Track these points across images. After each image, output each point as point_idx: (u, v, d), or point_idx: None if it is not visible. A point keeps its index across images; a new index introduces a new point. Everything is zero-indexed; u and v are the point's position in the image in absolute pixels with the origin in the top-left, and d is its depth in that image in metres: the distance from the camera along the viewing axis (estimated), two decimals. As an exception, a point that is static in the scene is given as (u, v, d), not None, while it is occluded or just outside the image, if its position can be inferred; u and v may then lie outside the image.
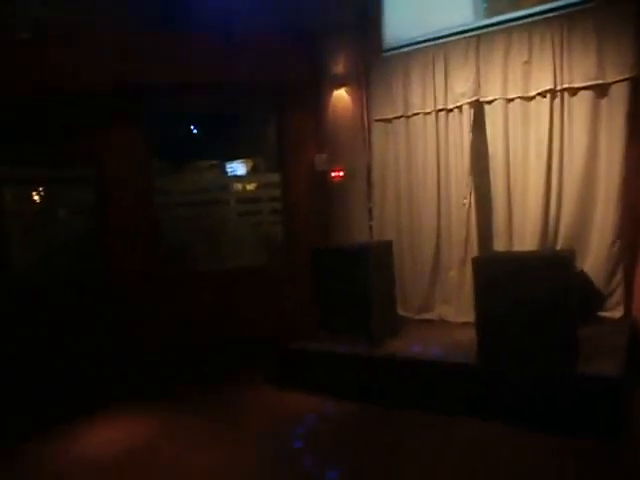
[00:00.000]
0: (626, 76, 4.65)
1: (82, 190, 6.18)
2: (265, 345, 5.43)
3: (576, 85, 4.88)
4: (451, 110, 5.52)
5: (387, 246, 5.29)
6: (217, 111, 6.72)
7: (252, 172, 7.21)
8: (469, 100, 5.39)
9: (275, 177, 6.74)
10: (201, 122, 7.01)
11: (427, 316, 5.67)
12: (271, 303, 6.15)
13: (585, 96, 4.86)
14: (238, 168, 7.27)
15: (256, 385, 5.10)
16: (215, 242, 6.78)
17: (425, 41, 5.61)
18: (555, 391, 3.74)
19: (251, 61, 5.96)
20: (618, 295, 4.90)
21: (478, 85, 5.34)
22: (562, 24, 4.90)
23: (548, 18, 4.95)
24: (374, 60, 6.00)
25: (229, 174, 7.21)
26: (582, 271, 4.81)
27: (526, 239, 5.12)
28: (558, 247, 5.03)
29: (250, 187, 7.21)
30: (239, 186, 7.13)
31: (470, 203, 5.42)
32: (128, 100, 5.82)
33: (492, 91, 5.27)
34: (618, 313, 4.89)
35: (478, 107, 5.38)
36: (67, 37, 5.36)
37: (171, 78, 5.80)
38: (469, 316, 4.86)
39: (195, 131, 7.16)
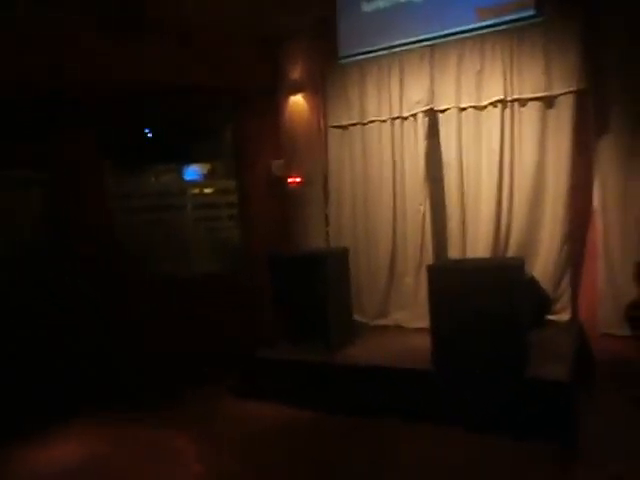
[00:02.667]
0: (572, 89, 4.83)
1: (31, 194, 6.00)
2: (223, 353, 5.37)
3: (525, 96, 5.03)
4: (406, 118, 5.60)
5: (344, 252, 5.32)
6: (172, 114, 6.61)
7: (209, 177, 7.13)
8: (424, 108, 5.48)
9: (232, 183, 6.68)
10: (157, 125, 6.89)
11: (383, 322, 5.73)
12: (230, 311, 6.08)
13: (534, 107, 5.01)
14: (195, 172, 7.18)
15: (216, 395, 5.03)
16: (171, 247, 6.67)
17: (380, 49, 5.66)
18: (506, 395, 3.84)
19: (208, 65, 5.89)
20: (565, 299, 5.08)
21: (432, 94, 5.43)
22: (512, 37, 5.04)
23: (499, 30, 5.07)
24: (331, 67, 6.01)
25: (186, 179, 7.11)
26: (532, 277, 4.96)
27: (479, 245, 5.24)
28: (509, 253, 5.17)
29: (207, 192, 7.13)
30: (196, 191, 7.05)
31: (425, 210, 5.51)
32: (80, 102, 5.67)
33: (446, 100, 5.37)
34: (566, 316, 5.07)
35: (432, 115, 5.47)
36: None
37: (125, 80, 5.68)
38: (424, 322, 4.94)
39: (150, 134, 7.03)
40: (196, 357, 5.63)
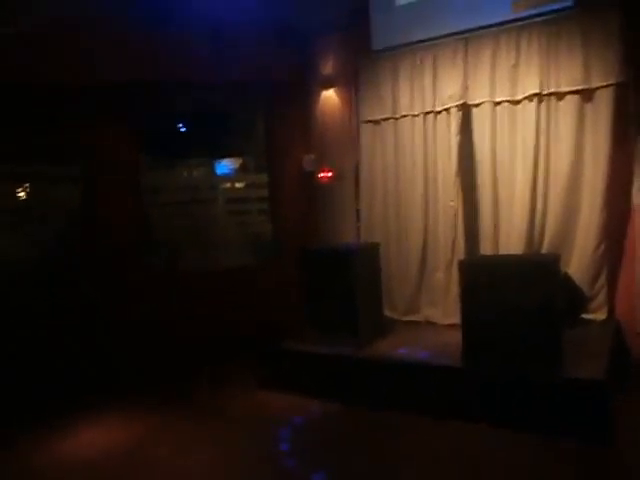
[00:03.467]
0: (611, 82, 4.70)
1: (67, 188, 6.16)
2: (254, 345, 5.43)
3: (562, 90, 4.91)
4: (439, 112, 5.53)
5: (374, 248, 5.31)
6: (205, 110, 6.70)
7: (241, 171, 7.20)
8: (457, 103, 5.41)
9: (263, 177, 6.74)
10: (190, 120, 6.98)
11: (413, 318, 5.70)
12: (260, 303, 6.14)
13: (571, 101, 4.89)
14: (227, 167, 7.25)
15: (244, 386, 5.10)
16: (204, 241, 6.76)
17: (414, 43, 5.61)
18: (540, 394, 3.77)
19: (240, 60, 5.95)
20: (602, 297, 4.95)
21: (466, 88, 5.36)
22: (549, 29, 4.93)
23: (535, 22, 4.98)
24: (363, 61, 5.99)
25: (218, 173, 7.19)
26: (567, 274, 4.86)
27: (512, 242, 5.16)
28: (544, 250, 5.07)
29: (239, 186, 7.20)
30: (228, 185, 7.12)
31: (457, 206, 5.45)
32: (114, 97, 5.80)
33: (480, 94, 5.29)
34: (602, 315, 4.94)
35: (466, 110, 5.40)
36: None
37: (159, 77, 5.78)
38: (455, 318, 4.90)
39: (184, 129, 7.13)
40: (227, 347, 5.72)
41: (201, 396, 4.98)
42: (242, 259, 6.69)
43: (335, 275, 4.89)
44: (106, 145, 5.99)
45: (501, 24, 5.13)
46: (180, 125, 7.03)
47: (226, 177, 7.13)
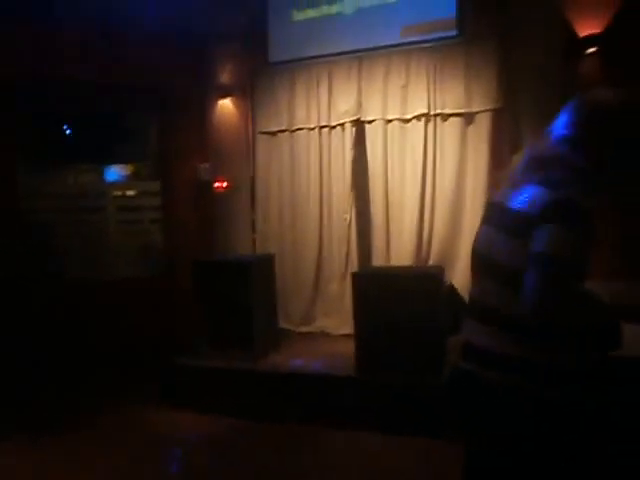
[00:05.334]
0: (489, 107, 5.09)
1: None
2: (146, 361, 5.19)
3: (447, 112, 5.25)
4: (334, 127, 5.68)
5: (269, 259, 5.31)
6: (95, 113, 6.36)
7: (133, 178, 6.89)
8: (351, 119, 5.58)
9: (156, 185, 6.50)
10: (78, 123, 6.58)
11: (309, 329, 5.76)
12: (152, 317, 5.89)
13: (455, 122, 5.23)
14: (117, 173, 6.91)
15: (135, 403, 4.85)
16: (91, 251, 6.37)
17: (309, 58, 5.72)
18: (426, 400, 3.97)
19: (134, 63, 5.73)
20: (482, 306, 5.31)
21: (360, 105, 5.55)
22: (435, 54, 5.25)
23: (423, 48, 5.28)
24: (260, 72, 6.01)
25: (108, 179, 6.83)
26: (452, 285, 5.15)
27: (402, 254, 5.39)
28: (431, 262, 5.35)
29: (130, 194, 6.89)
30: (118, 193, 6.79)
31: (351, 219, 5.61)
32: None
33: (373, 111, 5.50)
34: (481, 323, 5.30)
35: (360, 126, 5.59)
36: None
37: (44, 76, 5.43)
38: (349, 328, 5.02)
39: (69, 131, 6.70)
40: (114, 363, 5.42)
41: (92, 415, 4.66)
42: (132, 270, 6.39)
43: (229, 287, 4.82)
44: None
45: (392, 46, 5.38)
46: (65, 127, 6.61)
47: (117, 184, 6.80)
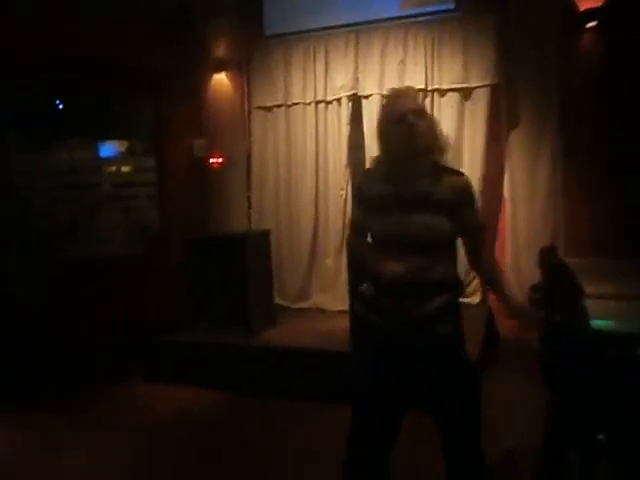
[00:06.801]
0: (487, 82, 5.05)
1: None
2: (140, 337, 5.20)
3: (444, 87, 5.20)
4: (330, 102, 5.63)
5: (265, 235, 5.29)
6: (88, 89, 6.26)
7: (127, 154, 6.82)
8: (348, 93, 5.53)
9: (151, 161, 6.44)
10: (72, 99, 6.48)
11: (304, 305, 5.78)
12: (147, 293, 5.89)
13: (452, 98, 5.20)
14: (112, 149, 6.84)
15: (129, 380, 4.87)
16: (85, 228, 6.34)
17: (306, 31, 5.63)
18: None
19: (127, 39, 5.63)
20: (476, 282, 5.35)
21: (356, 79, 5.49)
22: (433, 29, 5.18)
23: (421, 22, 5.20)
24: (255, 46, 5.92)
25: (102, 155, 6.76)
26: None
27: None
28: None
29: (125, 170, 6.83)
30: (113, 169, 6.72)
31: (347, 195, 5.59)
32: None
33: (370, 86, 5.44)
34: (476, 299, 5.34)
35: (356, 101, 5.53)
36: None
37: (35, 52, 5.32)
38: (344, 304, 5.03)
39: (62, 106, 6.60)
40: (108, 340, 5.43)
41: (86, 393, 4.68)
42: (127, 247, 6.37)
43: (224, 263, 4.81)
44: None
45: (390, 19, 5.30)
46: (57, 102, 6.51)
47: (111, 160, 6.73)
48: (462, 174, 2.16)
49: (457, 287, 2.25)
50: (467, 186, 2.13)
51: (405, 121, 2.00)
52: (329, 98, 5.61)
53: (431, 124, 2.09)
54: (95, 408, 4.36)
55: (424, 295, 2.08)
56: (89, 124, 6.41)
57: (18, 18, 5.24)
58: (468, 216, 2.12)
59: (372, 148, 5.44)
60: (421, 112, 2.05)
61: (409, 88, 2.30)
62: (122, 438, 3.79)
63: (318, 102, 5.66)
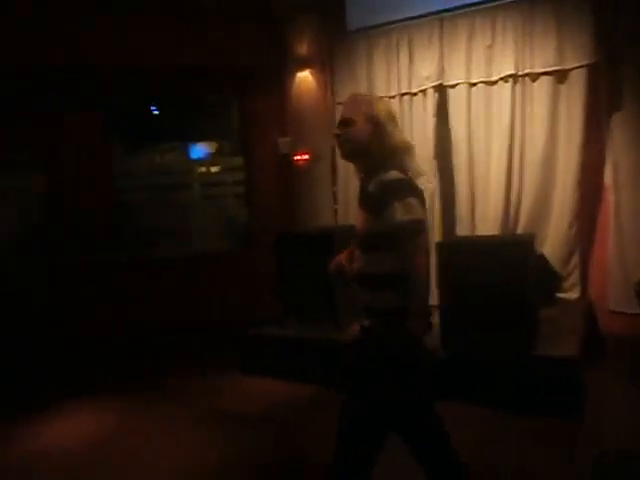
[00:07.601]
0: (584, 62, 4.73)
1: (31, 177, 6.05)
2: (230, 332, 5.39)
3: (537, 70, 4.94)
4: (415, 94, 5.52)
5: (351, 230, 5.26)
6: (178, 94, 6.57)
7: (216, 155, 7.09)
8: (433, 84, 5.39)
9: (239, 160, 6.65)
10: (163, 104, 6.84)
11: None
12: (236, 289, 6.11)
13: (545, 82, 4.92)
14: (201, 151, 7.14)
15: (221, 372, 5.06)
16: (178, 227, 6.68)
17: (389, 23, 5.56)
18: (516, 372, 3.83)
19: (213, 43, 5.83)
20: (575, 277, 5.04)
21: (442, 69, 5.35)
22: (523, 10, 4.93)
23: (510, 3, 4.97)
24: (338, 42, 5.93)
25: (193, 157, 7.08)
26: (542, 254, 4.92)
27: (488, 223, 5.20)
28: (519, 231, 5.13)
29: (214, 170, 7.11)
30: (203, 169, 7.02)
31: (434, 188, 5.46)
32: (81, 82, 5.65)
33: (456, 75, 5.28)
34: (575, 294, 5.03)
35: (442, 91, 5.39)
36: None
37: (129, 61, 5.65)
38: (433, 299, 4.91)
39: (156, 112, 6.98)
40: (202, 334, 5.68)
41: (181, 383, 4.93)
42: (218, 244, 6.63)
43: (312, 259, 4.85)
44: (73, 129, 5.86)
45: (476, 4, 5.11)
46: (153, 108, 6.88)
47: (201, 161, 7.03)
48: (396, 171, 2.07)
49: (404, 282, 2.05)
50: (391, 182, 2.05)
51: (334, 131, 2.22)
52: (414, 90, 5.50)
53: (363, 129, 2.14)
54: (186, 397, 4.57)
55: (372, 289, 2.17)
56: (181, 127, 6.74)
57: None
58: (388, 214, 2.03)
59: (459, 139, 5.31)
60: (349, 121, 2.15)
61: (357, 94, 2.67)
62: (218, 428, 3.95)
63: (403, 95, 5.57)
